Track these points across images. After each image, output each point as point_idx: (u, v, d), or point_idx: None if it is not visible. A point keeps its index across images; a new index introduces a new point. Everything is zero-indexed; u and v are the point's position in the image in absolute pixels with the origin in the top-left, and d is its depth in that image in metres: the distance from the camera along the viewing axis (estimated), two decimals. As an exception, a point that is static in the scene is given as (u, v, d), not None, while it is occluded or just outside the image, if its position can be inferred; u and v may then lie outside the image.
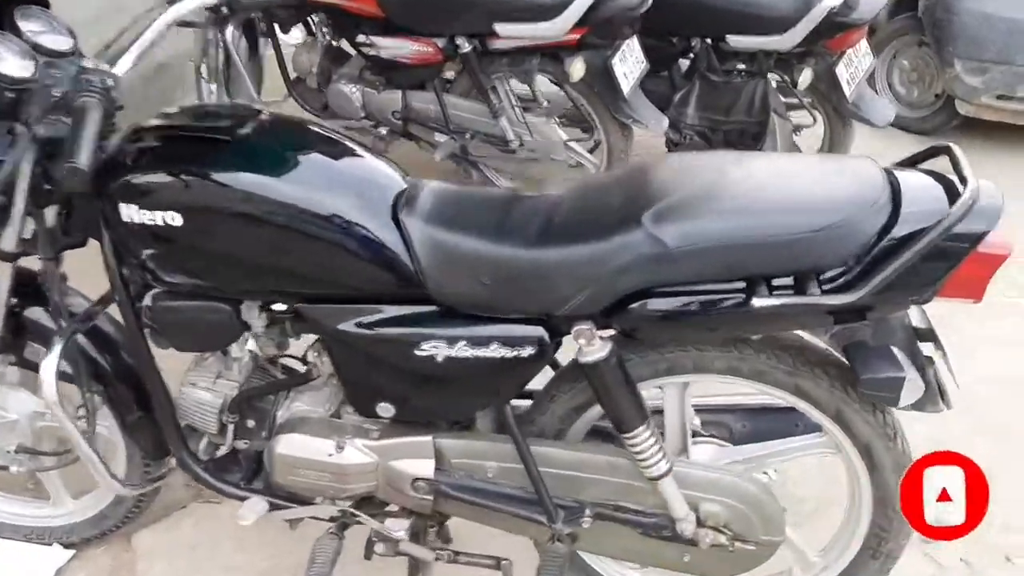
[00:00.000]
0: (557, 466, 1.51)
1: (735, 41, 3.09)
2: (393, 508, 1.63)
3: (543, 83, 3.14)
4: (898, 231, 1.22)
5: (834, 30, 3.02)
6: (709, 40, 3.18)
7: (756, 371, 1.43)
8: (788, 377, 1.42)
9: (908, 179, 1.29)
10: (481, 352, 1.40)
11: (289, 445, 1.58)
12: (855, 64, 3.22)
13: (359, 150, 1.51)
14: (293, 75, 3.47)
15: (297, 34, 3.48)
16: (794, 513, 1.96)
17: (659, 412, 1.52)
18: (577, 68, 2.83)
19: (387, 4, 2.99)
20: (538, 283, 1.33)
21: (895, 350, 1.31)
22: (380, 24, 3.05)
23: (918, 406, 1.36)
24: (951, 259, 1.22)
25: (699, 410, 1.69)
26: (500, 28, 2.84)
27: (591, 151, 3.25)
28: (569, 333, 1.36)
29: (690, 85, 3.25)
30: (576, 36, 2.80)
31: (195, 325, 1.50)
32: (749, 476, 1.51)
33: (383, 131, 3.33)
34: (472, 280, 1.36)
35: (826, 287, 1.25)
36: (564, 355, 1.47)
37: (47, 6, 1.50)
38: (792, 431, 1.56)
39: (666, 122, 3.06)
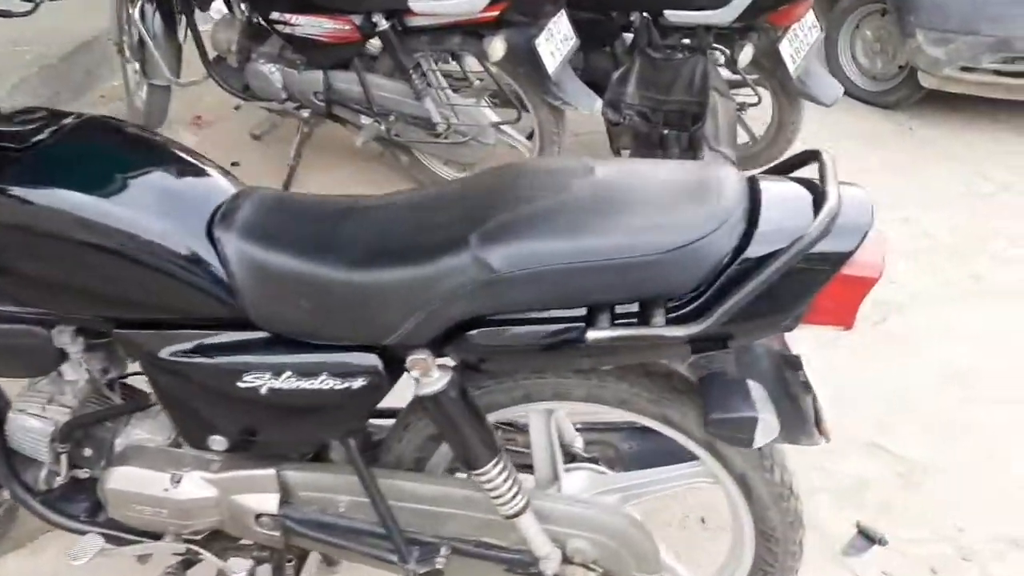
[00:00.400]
0: (411, 500, 1.38)
1: (672, 16, 2.91)
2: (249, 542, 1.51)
3: (475, 63, 2.98)
4: (753, 251, 1.07)
5: (776, 3, 2.85)
6: (648, 15, 3.00)
7: (619, 399, 1.29)
8: (653, 406, 1.28)
9: (772, 190, 1.14)
10: (309, 383, 1.25)
11: (121, 479, 1.44)
12: (800, 39, 3.05)
13: (184, 157, 1.35)
14: (213, 54, 3.29)
15: (216, 10, 3.29)
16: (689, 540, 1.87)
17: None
18: (496, 47, 2.66)
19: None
20: (360, 309, 1.19)
21: (752, 385, 1.17)
22: (294, 1, 2.88)
23: (791, 439, 1.22)
24: (811, 283, 1.08)
25: (585, 429, 1.56)
26: (415, 4, 2.66)
27: (529, 136, 3.09)
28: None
29: (629, 62, 3.09)
30: (495, 13, 2.62)
31: (4, 350, 1.36)
32: (620, 510, 1.38)
33: (305, 113, 3.16)
34: (291, 303, 1.22)
35: (673, 315, 1.10)
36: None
37: None
38: (682, 454, 1.43)
39: (599, 103, 2.89)
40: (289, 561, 1.52)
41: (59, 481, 1.52)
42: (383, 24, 2.78)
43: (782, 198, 1.13)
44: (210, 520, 1.46)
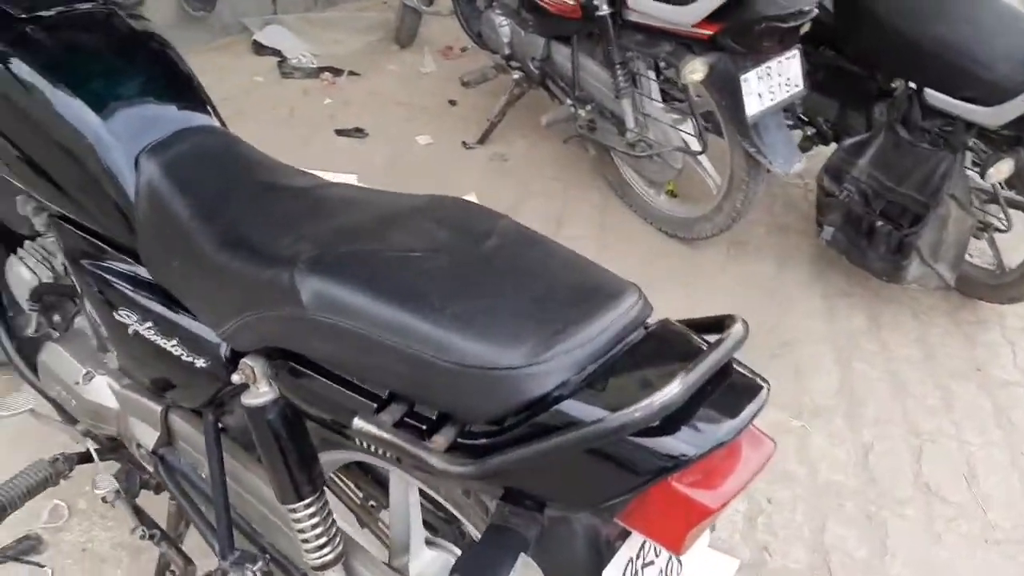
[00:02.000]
0: (254, 497, 1.29)
1: (933, 97, 2.44)
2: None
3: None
4: (568, 407, 0.84)
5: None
6: (913, 86, 2.54)
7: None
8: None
9: (657, 343, 0.89)
10: (163, 342, 1.19)
11: (52, 355, 1.49)
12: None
13: (171, 77, 1.31)
14: (467, -11, 3.28)
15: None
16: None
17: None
18: (695, 67, 2.37)
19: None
20: (209, 288, 1.10)
21: (524, 565, 0.92)
22: (536, -40, 2.77)
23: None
24: (622, 478, 0.82)
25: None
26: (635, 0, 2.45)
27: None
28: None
29: (873, 132, 2.65)
30: (707, 31, 2.33)
31: None
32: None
33: (516, 75, 3.08)
34: (168, 256, 1.15)
35: (467, 442, 0.89)
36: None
37: None
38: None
39: (797, 166, 2.51)
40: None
41: (27, 333, 1.61)
42: (604, 9, 2.59)
43: (657, 356, 0.87)
44: (107, 428, 1.47)
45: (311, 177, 1.22)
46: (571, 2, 2.70)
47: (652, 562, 1.01)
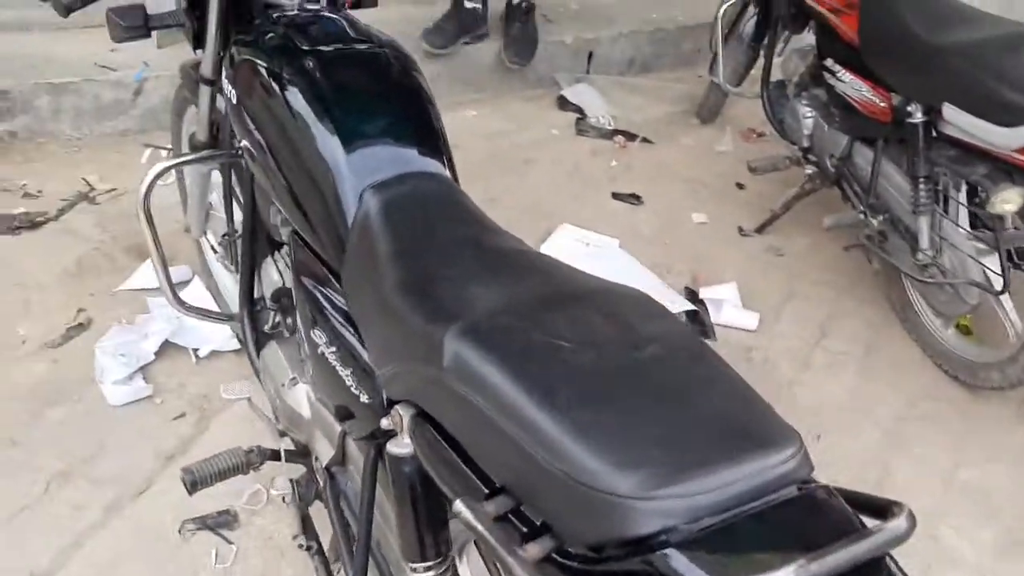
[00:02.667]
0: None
1: (949, 112, 2.18)
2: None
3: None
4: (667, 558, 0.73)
5: None
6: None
7: None
8: None
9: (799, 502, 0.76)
10: (340, 369, 1.23)
11: (271, 353, 1.60)
12: None
13: (418, 120, 1.36)
14: (777, 76, 3.15)
15: (806, 41, 3.12)
16: None
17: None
18: (1007, 197, 2.06)
19: (865, 33, 2.50)
20: (381, 324, 1.11)
21: None
22: (854, 54, 2.58)
23: None
24: None
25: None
26: (947, 110, 2.19)
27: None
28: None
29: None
30: (1028, 160, 2.03)
31: None
32: None
33: (810, 169, 2.89)
34: (360, 286, 1.19)
35: (559, 559, 0.81)
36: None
37: None
38: None
39: None
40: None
41: (264, 328, 1.75)
42: (917, 116, 2.35)
43: (794, 528, 0.74)
44: (300, 435, 1.55)
45: (513, 240, 1.21)
46: (882, 104, 2.49)
47: None
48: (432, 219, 1.22)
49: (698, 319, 2.74)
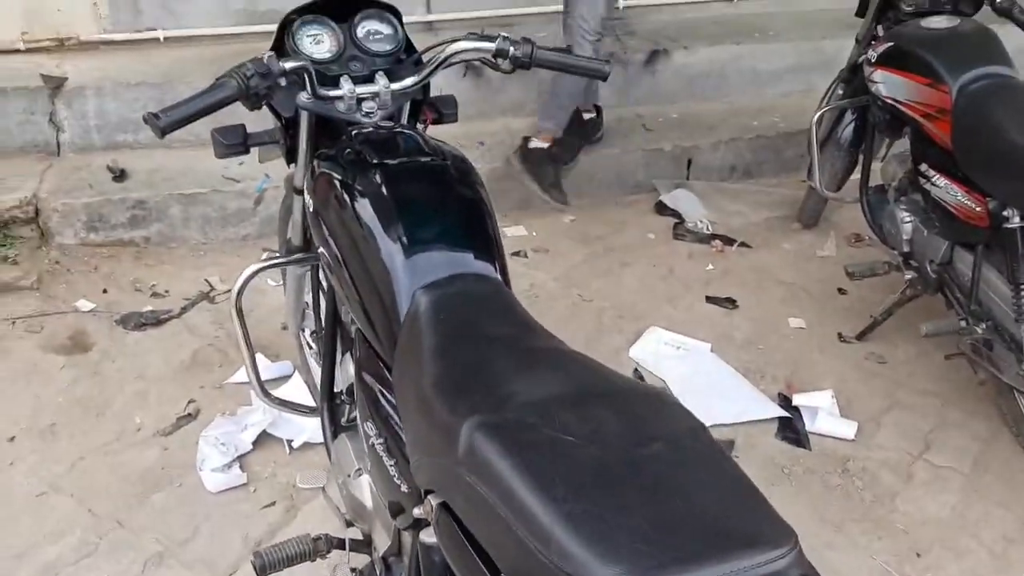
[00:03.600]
0: None
1: None
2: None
3: None
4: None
5: None
6: None
7: None
8: None
9: None
10: (386, 459, 1.31)
11: (341, 445, 1.69)
12: None
13: (477, 223, 1.45)
14: (876, 182, 3.12)
15: (906, 144, 3.08)
16: None
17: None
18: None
19: (957, 138, 2.47)
20: (414, 417, 1.17)
21: None
22: (948, 159, 2.54)
23: None
24: None
25: None
26: (1043, 214, 2.13)
27: None
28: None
29: None
30: None
31: None
32: None
33: (910, 275, 2.81)
34: (404, 380, 1.26)
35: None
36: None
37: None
38: None
39: None
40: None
41: (341, 421, 1.84)
42: (1014, 222, 2.29)
43: None
44: (364, 526, 1.61)
45: (554, 340, 1.26)
46: (978, 209, 2.43)
47: None
48: (476, 317, 1.29)
49: (791, 427, 2.67)
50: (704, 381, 2.80)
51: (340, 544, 1.67)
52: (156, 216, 3.22)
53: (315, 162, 1.60)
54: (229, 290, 3.06)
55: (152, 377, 2.71)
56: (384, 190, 1.43)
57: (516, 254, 3.42)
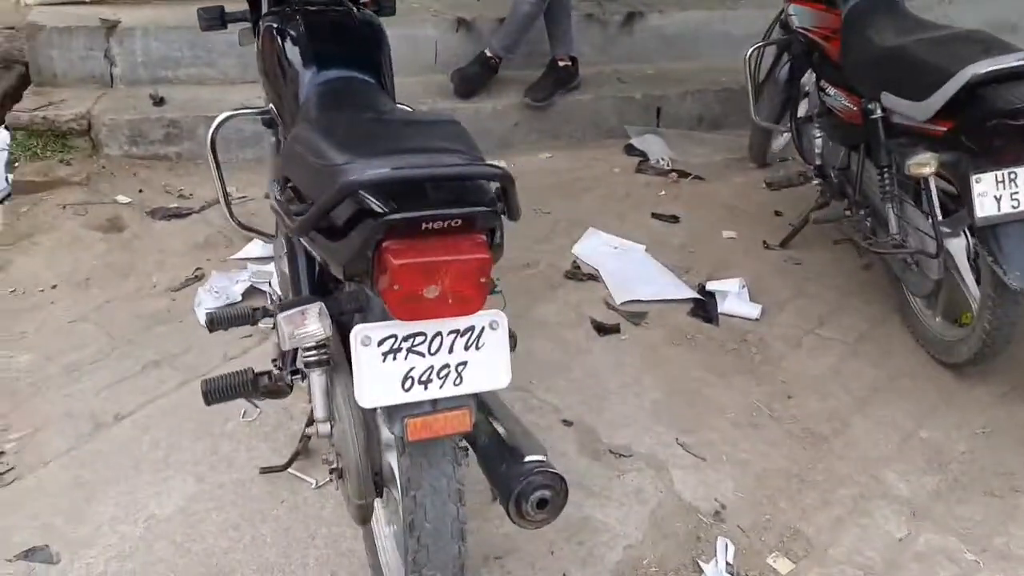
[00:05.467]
0: None
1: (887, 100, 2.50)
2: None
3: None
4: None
5: None
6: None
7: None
8: None
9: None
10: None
11: None
12: None
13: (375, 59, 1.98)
14: (805, 110, 3.52)
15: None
16: None
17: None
18: (919, 161, 2.33)
19: (844, 51, 2.88)
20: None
21: None
22: (839, 72, 2.95)
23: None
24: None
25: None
26: (884, 98, 2.52)
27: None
28: None
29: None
30: (941, 128, 2.31)
31: None
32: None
33: (816, 182, 3.21)
34: None
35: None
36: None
37: None
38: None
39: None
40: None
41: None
42: (876, 112, 2.68)
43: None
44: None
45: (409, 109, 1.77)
46: (855, 109, 2.83)
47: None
48: (350, 98, 1.81)
49: (703, 308, 3.07)
50: (633, 271, 3.23)
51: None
52: (187, 135, 3.81)
53: (260, 22, 2.15)
54: (242, 197, 3.64)
55: (170, 251, 3.27)
56: (302, 28, 1.98)
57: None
